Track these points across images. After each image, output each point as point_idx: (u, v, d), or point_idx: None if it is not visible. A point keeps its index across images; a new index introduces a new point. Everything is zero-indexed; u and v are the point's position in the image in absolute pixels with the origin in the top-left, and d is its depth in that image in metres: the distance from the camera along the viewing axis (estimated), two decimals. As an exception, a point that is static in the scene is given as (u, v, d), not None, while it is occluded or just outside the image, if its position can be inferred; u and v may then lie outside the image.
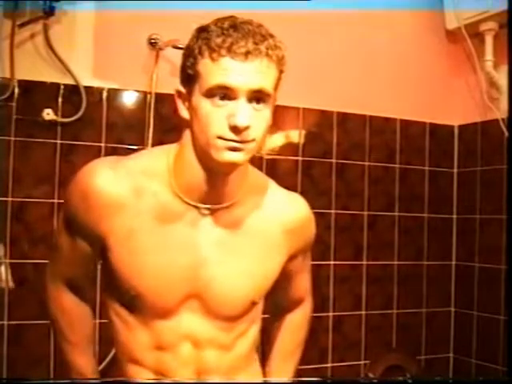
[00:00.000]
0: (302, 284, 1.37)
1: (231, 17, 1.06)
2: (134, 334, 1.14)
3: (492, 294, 2.35)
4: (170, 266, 1.09)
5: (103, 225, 1.08)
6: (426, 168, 2.55)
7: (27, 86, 1.92)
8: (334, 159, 2.36)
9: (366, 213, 2.42)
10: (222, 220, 1.11)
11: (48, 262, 1.27)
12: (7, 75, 1.87)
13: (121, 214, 1.07)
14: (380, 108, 2.45)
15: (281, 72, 1.09)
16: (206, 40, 1.01)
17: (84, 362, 1.24)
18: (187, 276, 1.09)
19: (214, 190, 1.08)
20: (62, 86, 1.96)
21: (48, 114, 1.92)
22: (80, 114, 1.96)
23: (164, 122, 2.02)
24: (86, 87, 1.97)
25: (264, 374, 1.32)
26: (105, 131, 2.01)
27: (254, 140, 1.02)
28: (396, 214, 2.48)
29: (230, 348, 1.17)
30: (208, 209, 1.10)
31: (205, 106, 1.00)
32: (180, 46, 1.99)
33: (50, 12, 1.89)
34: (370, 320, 2.41)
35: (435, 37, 2.56)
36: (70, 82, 1.96)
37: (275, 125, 2.28)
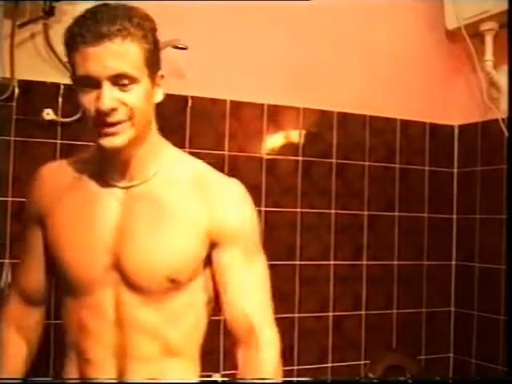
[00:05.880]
0: (247, 301, 1.17)
1: (99, 5, 1.10)
2: (66, 315, 1.22)
3: (492, 294, 2.35)
4: (91, 240, 1.16)
5: (40, 205, 1.23)
6: (426, 168, 2.55)
7: (27, 86, 1.91)
8: (334, 159, 2.36)
9: (366, 213, 2.42)
10: (138, 195, 1.17)
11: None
12: (7, 75, 1.87)
13: (52, 194, 1.22)
14: (380, 108, 2.45)
15: (149, 50, 1.09)
16: (68, 31, 1.08)
17: None
18: (106, 248, 1.15)
19: (122, 170, 1.17)
20: (61, 86, 1.96)
21: (48, 114, 1.92)
22: (80, 113, 1.95)
23: (163, 121, 2.01)
24: (86, 87, 1.97)
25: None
26: (105, 131, 2.01)
27: (127, 120, 1.07)
28: (396, 214, 2.48)
29: (153, 332, 1.15)
30: (122, 187, 1.17)
31: (80, 94, 1.10)
32: (180, 46, 1.99)
33: (50, 12, 1.88)
34: (369, 320, 2.41)
35: (435, 37, 2.56)
36: (70, 82, 1.95)
37: (275, 125, 2.31)
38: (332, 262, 2.34)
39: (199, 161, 1.25)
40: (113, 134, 1.08)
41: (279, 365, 1.21)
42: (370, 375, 2.35)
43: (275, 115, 2.27)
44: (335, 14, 2.36)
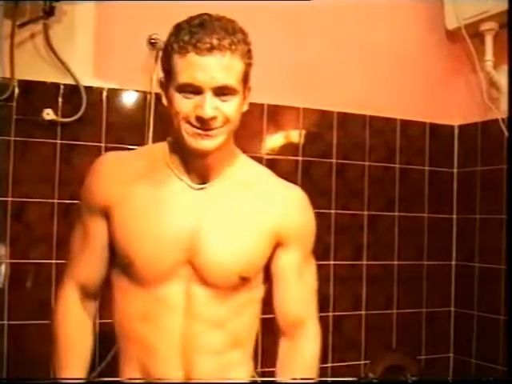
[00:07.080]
0: (299, 298, 1.29)
1: (204, 14, 1.16)
2: (126, 304, 1.22)
3: (492, 294, 2.35)
4: (162, 234, 1.18)
5: (107, 195, 1.21)
6: (426, 168, 2.55)
7: (27, 86, 1.92)
8: (334, 159, 2.36)
9: (366, 213, 2.42)
10: (213, 194, 1.21)
11: (64, 273, 1.31)
12: (7, 75, 1.87)
13: (120, 184, 1.21)
14: (380, 108, 2.45)
15: (248, 65, 1.19)
16: (176, 37, 1.12)
17: None
18: (179, 244, 1.18)
19: (201, 170, 1.21)
20: (61, 86, 1.96)
21: (48, 114, 1.92)
22: (80, 114, 1.96)
23: (164, 122, 2.01)
24: (86, 87, 1.97)
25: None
26: (105, 131, 2.01)
27: (222, 126, 1.13)
28: (396, 214, 2.48)
29: (222, 325, 1.22)
30: (197, 187, 1.21)
31: (177, 98, 1.12)
32: (180, 45, 1.99)
33: (50, 12, 1.89)
34: (369, 320, 2.41)
35: (435, 37, 2.56)
36: (70, 81, 1.96)
37: (275, 125, 2.31)
38: (332, 262, 2.34)
39: (264, 167, 1.34)
40: (206, 137, 1.13)
41: (317, 358, 1.31)
42: (370, 375, 2.35)
43: (275, 115, 2.27)
44: (335, 13, 2.36)
